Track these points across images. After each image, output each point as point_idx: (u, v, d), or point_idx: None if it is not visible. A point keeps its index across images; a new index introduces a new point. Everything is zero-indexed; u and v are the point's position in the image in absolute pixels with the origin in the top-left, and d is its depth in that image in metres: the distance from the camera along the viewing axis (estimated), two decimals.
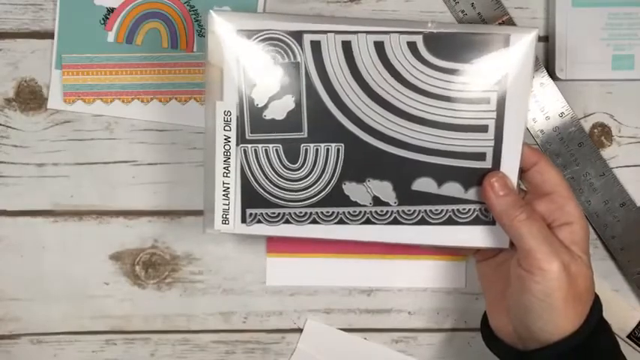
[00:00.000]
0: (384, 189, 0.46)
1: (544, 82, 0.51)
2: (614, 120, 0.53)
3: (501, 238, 0.45)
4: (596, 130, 0.52)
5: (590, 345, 0.42)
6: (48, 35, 0.51)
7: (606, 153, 0.52)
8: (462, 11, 0.51)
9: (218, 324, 0.54)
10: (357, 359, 0.54)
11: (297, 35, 0.44)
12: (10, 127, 0.52)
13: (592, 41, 0.50)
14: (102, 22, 0.51)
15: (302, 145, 0.45)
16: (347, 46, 0.44)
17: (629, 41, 0.50)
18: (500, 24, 0.51)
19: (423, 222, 0.46)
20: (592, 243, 0.53)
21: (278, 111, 0.45)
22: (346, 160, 0.46)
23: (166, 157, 0.52)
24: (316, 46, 0.44)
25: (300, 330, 0.54)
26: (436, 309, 0.54)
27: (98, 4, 0.51)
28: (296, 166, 0.46)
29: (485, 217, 0.46)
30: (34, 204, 0.52)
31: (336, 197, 0.46)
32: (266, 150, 0.46)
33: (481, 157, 0.45)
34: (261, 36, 0.44)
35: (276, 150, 0.45)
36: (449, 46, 0.44)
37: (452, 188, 0.46)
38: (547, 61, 0.52)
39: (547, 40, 0.52)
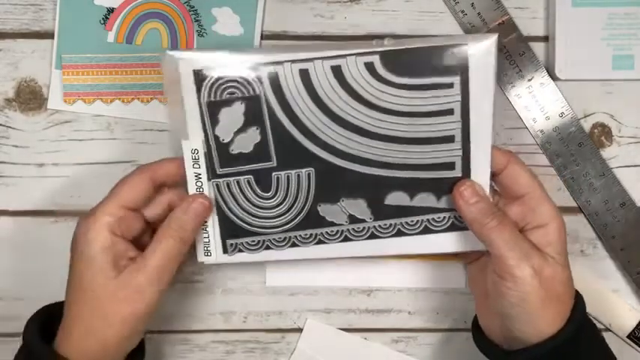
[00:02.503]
0: (358, 207, 0.46)
1: (544, 82, 0.51)
2: (614, 120, 0.53)
3: (478, 241, 0.45)
4: (596, 130, 0.52)
5: (572, 345, 0.42)
6: (48, 35, 0.51)
7: (606, 153, 0.52)
8: (462, 11, 0.51)
9: (218, 324, 0.54)
10: (357, 359, 0.54)
11: (254, 68, 0.44)
12: (10, 127, 0.52)
13: (592, 41, 0.50)
14: (102, 22, 0.51)
15: (273, 173, 0.46)
16: (304, 74, 0.44)
17: (629, 41, 0.50)
18: (500, 24, 0.51)
19: (399, 234, 0.46)
20: (592, 243, 0.53)
21: (245, 144, 0.45)
22: (318, 183, 0.46)
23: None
24: (274, 77, 0.44)
25: (300, 330, 0.54)
26: (436, 309, 0.54)
27: (98, 4, 0.51)
28: (269, 194, 0.46)
29: (460, 223, 0.46)
30: (34, 204, 0.52)
31: (312, 220, 0.46)
32: (238, 182, 0.46)
33: (450, 166, 0.45)
34: (217, 72, 0.44)
35: (248, 181, 0.46)
36: (407, 62, 0.43)
37: (424, 199, 0.46)
38: (547, 61, 0.52)
39: (547, 40, 0.52)
